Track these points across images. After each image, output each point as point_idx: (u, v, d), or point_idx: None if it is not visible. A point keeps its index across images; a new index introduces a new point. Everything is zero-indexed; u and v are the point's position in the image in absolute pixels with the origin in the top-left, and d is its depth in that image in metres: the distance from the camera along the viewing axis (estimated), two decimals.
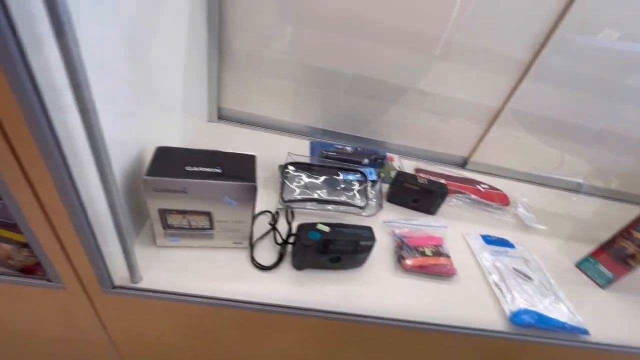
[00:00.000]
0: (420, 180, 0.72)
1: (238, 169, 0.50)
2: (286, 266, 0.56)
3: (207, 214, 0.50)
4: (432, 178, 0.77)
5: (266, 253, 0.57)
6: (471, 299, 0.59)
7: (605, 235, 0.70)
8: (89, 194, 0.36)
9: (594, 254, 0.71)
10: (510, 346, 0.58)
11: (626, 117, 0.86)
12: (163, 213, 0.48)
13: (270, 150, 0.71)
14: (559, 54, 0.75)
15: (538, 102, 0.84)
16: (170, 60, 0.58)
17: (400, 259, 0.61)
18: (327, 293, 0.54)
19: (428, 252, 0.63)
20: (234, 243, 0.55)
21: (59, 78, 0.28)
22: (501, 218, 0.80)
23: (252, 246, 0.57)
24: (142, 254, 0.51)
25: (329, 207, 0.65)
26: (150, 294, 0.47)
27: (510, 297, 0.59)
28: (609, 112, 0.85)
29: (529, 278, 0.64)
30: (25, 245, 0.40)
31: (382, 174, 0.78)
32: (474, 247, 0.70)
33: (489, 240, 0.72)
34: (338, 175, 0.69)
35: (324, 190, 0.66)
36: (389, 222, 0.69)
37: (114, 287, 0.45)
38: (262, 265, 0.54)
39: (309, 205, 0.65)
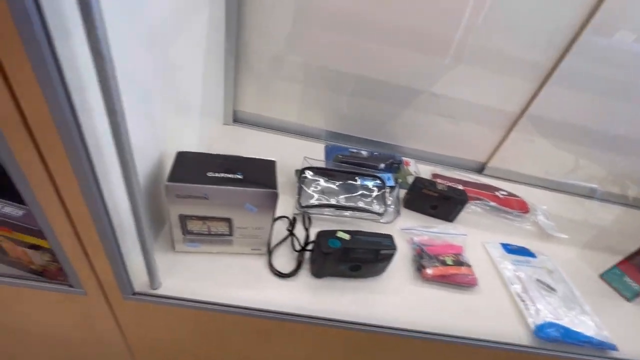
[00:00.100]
0: (439, 187, 0.70)
1: (259, 174, 0.49)
2: (304, 273, 0.55)
3: (227, 220, 0.49)
4: (449, 184, 0.76)
5: (284, 260, 0.56)
6: (493, 310, 0.58)
7: (628, 244, 0.67)
8: (113, 200, 0.36)
9: (620, 265, 0.68)
10: None
11: None
12: (183, 219, 0.48)
13: (285, 154, 0.71)
14: (583, 58, 0.72)
15: (559, 107, 0.81)
16: (190, 63, 0.58)
17: (420, 268, 0.60)
18: (347, 302, 0.53)
19: (449, 261, 0.61)
20: (252, 249, 0.54)
21: (87, 78, 0.27)
22: (521, 226, 0.78)
23: (270, 253, 0.56)
24: (161, 259, 0.50)
25: (346, 213, 0.64)
26: (170, 300, 0.47)
27: (534, 310, 0.57)
28: (631, 117, 0.83)
29: (553, 289, 0.62)
30: (47, 251, 0.40)
31: (399, 180, 0.77)
32: (494, 256, 0.68)
33: (509, 249, 0.70)
34: (355, 180, 0.68)
35: (342, 196, 0.65)
36: (407, 230, 0.67)
37: (134, 293, 0.45)
38: (281, 273, 0.53)
39: (326, 211, 0.64)
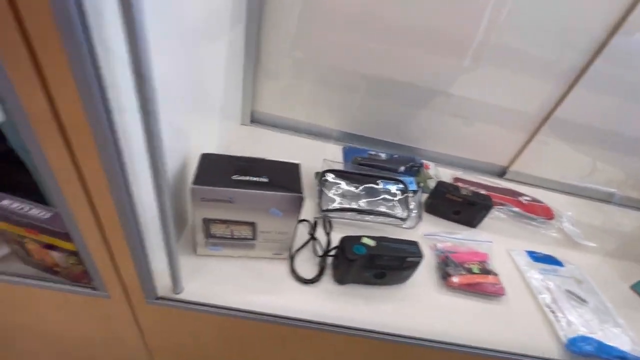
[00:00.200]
0: (463, 192, 0.68)
1: (284, 178, 0.48)
2: (327, 279, 0.54)
3: (251, 225, 0.48)
4: (471, 188, 0.74)
5: (306, 265, 0.55)
6: (521, 322, 0.56)
7: None
8: (141, 203, 0.35)
9: None
10: None
11: None
12: (207, 222, 0.47)
13: (303, 155, 0.69)
14: (614, 61, 0.70)
15: (585, 111, 0.79)
16: (213, 63, 0.57)
17: (445, 275, 0.58)
18: (371, 311, 0.51)
19: (475, 269, 0.59)
20: (274, 254, 0.53)
21: (123, 79, 0.26)
22: (546, 233, 0.75)
23: (291, 257, 0.55)
24: (183, 262, 0.49)
25: (368, 217, 0.63)
26: (192, 306, 0.46)
27: (565, 322, 0.55)
28: None
29: (584, 301, 0.59)
30: (73, 254, 0.39)
31: (421, 184, 0.75)
32: (520, 264, 0.66)
33: (535, 257, 0.68)
34: (377, 184, 0.66)
35: (363, 200, 0.63)
36: (430, 235, 0.65)
37: (157, 297, 0.44)
38: (304, 279, 0.52)
39: (347, 215, 0.62)
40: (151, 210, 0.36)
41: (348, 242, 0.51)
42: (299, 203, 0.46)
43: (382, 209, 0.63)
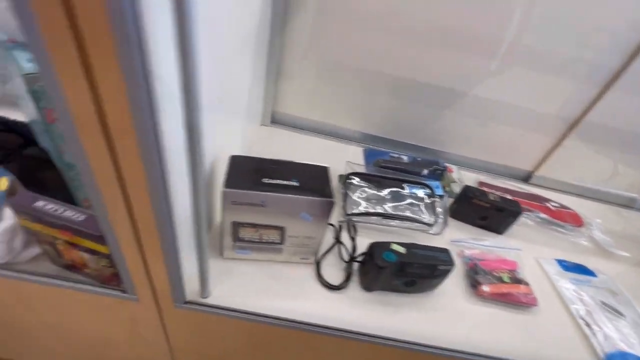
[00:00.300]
0: (491, 197, 0.66)
1: (314, 181, 0.46)
2: (353, 286, 0.53)
3: (280, 229, 0.47)
4: (497, 193, 0.71)
5: (332, 270, 0.54)
6: (554, 334, 0.54)
7: None
8: (177, 207, 0.34)
9: None
10: None
11: None
12: (236, 226, 0.46)
13: (324, 157, 0.68)
14: None
15: (620, 114, 0.75)
16: (240, 66, 0.56)
17: (475, 284, 0.56)
18: (400, 319, 0.50)
19: (505, 278, 0.57)
20: (300, 258, 0.52)
21: (171, 84, 0.25)
22: (576, 241, 0.73)
23: (317, 262, 0.54)
24: (209, 266, 0.49)
25: (393, 222, 0.61)
26: (220, 311, 0.45)
27: (601, 336, 0.53)
28: None
29: (620, 314, 0.57)
30: (105, 256, 0.39)
31: (446, 188, 0.73)
32: (550, 273, 0.63)
33: (566, 266, 0.65)
34: (403, 188, 0.64)
35: (389, 204, 0.62)
36: (457, 242, 0.63)
37: (186, 302, 0.44)
38: (331, 285, 0.51)
39: (372, 219, 0.61)
40: (185, 213, 0.35)
41: (377, 248, 0.50)
42: (330, 208, 0.45)
43: (408, 213, 0.61)
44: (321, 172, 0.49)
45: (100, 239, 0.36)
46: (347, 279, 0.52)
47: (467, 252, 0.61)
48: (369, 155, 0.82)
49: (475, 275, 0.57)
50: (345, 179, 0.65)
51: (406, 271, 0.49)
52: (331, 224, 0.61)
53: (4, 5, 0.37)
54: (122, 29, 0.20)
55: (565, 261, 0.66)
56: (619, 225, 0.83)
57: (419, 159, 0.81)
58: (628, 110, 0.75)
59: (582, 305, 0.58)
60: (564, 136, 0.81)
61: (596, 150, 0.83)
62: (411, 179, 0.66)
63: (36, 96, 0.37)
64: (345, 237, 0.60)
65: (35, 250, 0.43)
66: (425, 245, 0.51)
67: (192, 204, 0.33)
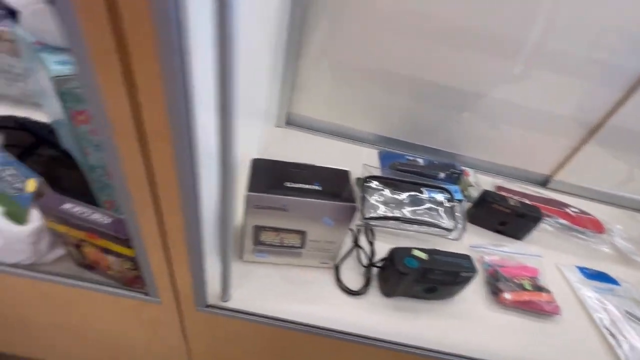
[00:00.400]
0: (511, 202, 0.65)
1: (336, 185, 0.46)
2: (373, 291, 0.52)
3: (301, 233, 0.46)
4: (515, 198, 0.70)
5: (350, 274, 0.53)
6: (578, 344, 0.52)
7: None
8: (206, 212, 0.34)
9: None
10: None
11: None
12: (258, 229, 0.46)
13: (339, 159, 0.68)
14: None
15: None
16: (260, 68, 0.56)
17: (496, 291, 0.55)
18: (421, 326, 0.49)
19: (527, 285, 0.56)
20: (320, 262, 0.52)
21: (208, 93, 0.25)
22: (597, 248, 0.71)
23: (336, 267, 0.53)
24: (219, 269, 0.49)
25: (411, 227, 0.60)
26: (240, 314, 0.45)
27: (627, 347, 0.51)
28: None
29: None
30: (130, 259, 0.39)
31: (464, 192, 0.72)
32: (571, 280, 0.62)
33: (587, 273, 0.64)
34: (422, 192, 0.64)
35: (407, 209, 0.61)
36: (476, 247, 0.62)
37: (207, 305, 0.43)
38: (350, 290, 0.50)
39: (390, 224, 0.60)
40: (212, 217, 0.35)
41: (398, 254, 0.49)
42: (352, 213, 0.44)
43: (427, 218, 0.60)
44: (342, 176, 0.49)
45: (126, 242, 0.36)
46: (367, 284, 0.52)
47: (487, 258, 0.60)
48: (384, 157, 0.81)
49: (496, 282, 0.56)
50: (363, 182, 0.64)
51: (428, 277, 0.48)
52: (349, 228, 0.60)
53: (32, 10, 0.37)
54: (166, 35, 0.19)
55: (586, 269, 0.65)
56: (636, 231, 0.81)
57: (435, 162, 0.80)
58: None
59: (606, 315, 0.56)
60: (584, 140, 0.79)
61: (615, 155, 0.82)
62: (429, 183, 0.65)
63: (64, 98, 0.37)
64: (362, 241, 0.59)
65: (59, 251, 0.43)
66: (447, 252, 0.51)
67: (220, 208, 0.33)
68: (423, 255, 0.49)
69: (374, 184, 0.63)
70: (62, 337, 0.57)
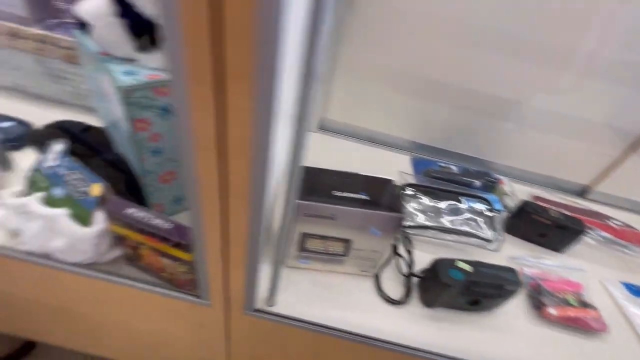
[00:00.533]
0: (553, 214, 0.63)
1: (382, 195, 0.46)
2: (413, 301, 0.52)
3: (347, 241, 0.47)
4: (554, 208, 0.68)
5: (390, 283, 0.53)
6: None
7: None
8: (267, 219, 0.35)
9: None
10: None
11: None
12: (303, 236, 0.46)
13: (372, 165, 0.67)
14: None
15: None
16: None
17: (539, 305, 0.54)
18: (462, 338, 0.49)
19: (571, 300, 0.54)
20: (361, 271, 0.52)
21: (287, 108, 0.26)
22: None
23: (376, 276, 0.53)
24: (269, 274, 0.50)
25: (450, 237, 0.60)
26: (284, 319, 0.46)
27: None
28: None
29: None
30: (187, 263, 0.40)
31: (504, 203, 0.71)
32: (618, 297, 0.60)
33: (634, 290, 0.61)
34: (460, 201, 0.63)
35: (447, 218, 0.60)
36: (516, 259, 0.61)
37: (255, 309, 0.44)
38: (392, 299, 0.51)
39: (428, 233, 0.60)
40: (270, 225, 0.36)
41: (442, 265, 0.49)
42: (400, 223, 0.45)
43: (467, 228, 0.60)
44: (387, 185, 0.49)
45: (186, 247, 0.38)
46: (407, 293, 0.52)
47: (528, 271, 0.59)
48: (417, 164, 0.81)
49: (538, 296, 0.55)
50: (400, 190, 0.64)
51: (472, 290, 0.48)
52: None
53: (104, 23, 0.39)
54: (266, 58, 0.20)
55: (633, 285, 0.63)
56: None
57: (470, 169, 0.79)
58: None
59: None
60: (627, 150, 0.76)
61: None
62: (468, 192, 0.64)
63: (129, 107, 0.39)
64: (400, 249, 0.59)
65: (116, 252, 0.45)
66: (491, 264, 0.50)
67: (282, 218, 0.34)
68: (467, 267, 0.48)
69: (411, 191, 0.63)
70: (110, 333, 0.59)
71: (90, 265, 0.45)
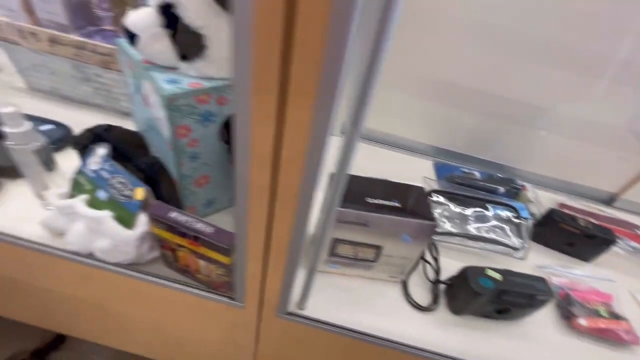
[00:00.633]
0: (581, 223, 0.63)
1: (414, 202, 0.47)
2: (441, 308, 0.52)
3: (378, 248, 0.47)
4: (580, 216, 0.67)
5: (418, 289, 0.54)
6: None
7: None
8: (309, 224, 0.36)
9: None
10: None
11: None
12: (335, 242, 0.47)
13: (395, 170, 0.67)
14: None
15: None
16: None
17: (569, 315, 0.53)
18: (491, 346, 0.49)
19: (602, 312, 0.54)
20: (389, 276, 0.52)
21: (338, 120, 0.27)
22: None
23: (404, 282, 0.54)
24: (304, 278, 0.51)
25: (476, 244, 0.60)
26: (314, 323, 0.47)
27: None
28: None
29: None
30: (224, 266, 0.41)
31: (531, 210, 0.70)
32: None
33: None
34: (487, 208, 0.63)
35: (473, 225, 0.60)
36: (543, 268, 0.61)
37: (287, 312, 0.45)
38: (420, 305, 0.51)
39: (454, 240, 0.60)
40: (310, 230, 0.37)
41: (472, 273, 0.49)
42: (431, 231, 0.45)
43: (494, 236, 0.59)
44: (418, 193, 0.49)
45: (227, 251, 0.39)
46: (435, 300, 0.52)
47: (556, 280, 0.58)
48: (439, 169, 0.81)
49: (568, 306, 0.54)
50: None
51: (502, 299, 0.48)
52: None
53: (150, 34, 0.41)
54: (330, 76, 0.21)
55: None
56: None
57: (494, 175, 0.78)
58: None
59: None
60: None
61: None
62: (494, 199, 0.64)
63: (172, 114, 0.41)
64: (427, 255, 0.59)
65: (154, 253, 0.47)
66: (520, 273, 0.50)
67: (322, 224, 0.34)
68: (497, 276, 0.48)
69: (436, 197, 0.63)
70: (142, 332, 0.61)
71: (129, 266, 0.46)
